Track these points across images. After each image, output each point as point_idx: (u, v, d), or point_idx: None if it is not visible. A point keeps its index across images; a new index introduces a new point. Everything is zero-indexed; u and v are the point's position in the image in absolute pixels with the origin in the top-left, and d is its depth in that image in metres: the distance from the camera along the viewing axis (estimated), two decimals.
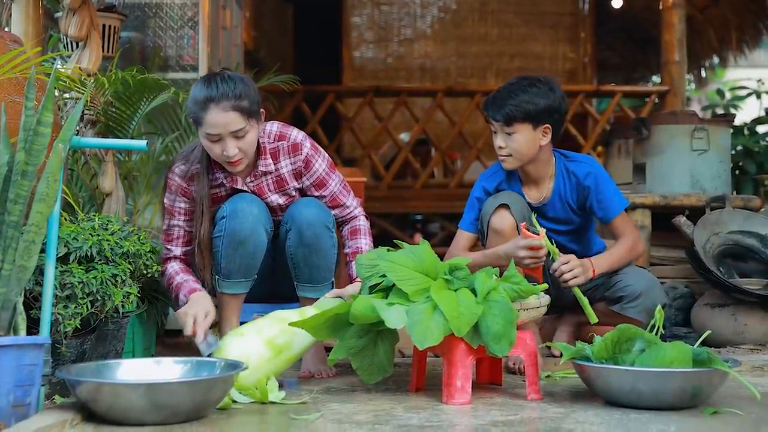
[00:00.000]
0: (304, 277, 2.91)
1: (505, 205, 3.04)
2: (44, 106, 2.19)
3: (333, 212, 2.97)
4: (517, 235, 3.00)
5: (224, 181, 2.91)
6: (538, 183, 3.15)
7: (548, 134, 3.04)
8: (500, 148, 3.04)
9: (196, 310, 2.70)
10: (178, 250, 2.93)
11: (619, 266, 3.09)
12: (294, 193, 2.97)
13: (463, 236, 3.19)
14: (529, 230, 2.86)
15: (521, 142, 3.01)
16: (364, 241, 2.99)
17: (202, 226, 2.86)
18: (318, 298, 2.86)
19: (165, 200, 2.95)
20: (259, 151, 2.88)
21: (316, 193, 2.96)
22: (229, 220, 2.80)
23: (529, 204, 3.13)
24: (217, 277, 2.87)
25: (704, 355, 2.32)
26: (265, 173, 2.92)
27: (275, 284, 3.05)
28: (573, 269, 2.88)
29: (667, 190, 4.38)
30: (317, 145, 3.00)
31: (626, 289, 3.06)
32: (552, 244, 2.89)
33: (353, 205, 3.03)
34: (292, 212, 2.89)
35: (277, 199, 2.95)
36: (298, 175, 2.95)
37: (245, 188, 2.91)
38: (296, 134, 2.94)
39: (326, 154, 3.00)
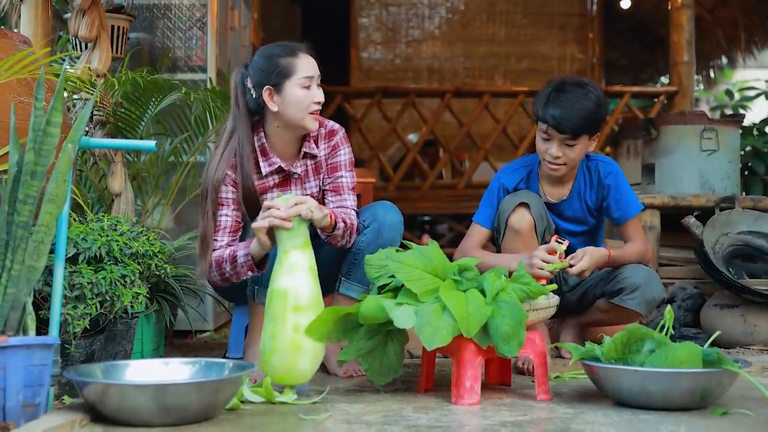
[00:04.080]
0: (357, 276, 2.89)
1: (524, 204, 3.03)
2: (53, 107, 2.19)
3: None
4: (534, 236, 3.00)
5: (282, 165, 2.91)
6: (562, 182, 3.15)
7: (596, 141, 3.06)
8: (556, 157, 3.02)
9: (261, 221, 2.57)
10: (225, 239, 2.84)
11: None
12: (321, 177, 2.98)
13: (478, 231, 3.18)
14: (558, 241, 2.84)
15: (579, 151, 3.03)
16: (347, 218, 2.86)
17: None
18: (358, 300, 2.76)
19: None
20: (304, 136, 2.94)
21: (327, 179, 2.96)
22: None
23: (547, 203, 3.13)
24: (255, 287, 2.86)
25: (714, 356, 2.31)
26: (308, 155, 2.96)
27: None
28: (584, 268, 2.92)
29: (676, 190, 4.36)
30: (348, 139, 3.05)
31: (625, 281, 3.06)
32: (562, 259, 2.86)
33: (351, 204, 2.95)
34: (376, 212, 2.89)
35: (311, 186, 2.97)
36: (327, 158, 2.98)
37: (297, 171, 2.93)
38: (332, 123, 3.03)
39: (351, 152, 3.03)
